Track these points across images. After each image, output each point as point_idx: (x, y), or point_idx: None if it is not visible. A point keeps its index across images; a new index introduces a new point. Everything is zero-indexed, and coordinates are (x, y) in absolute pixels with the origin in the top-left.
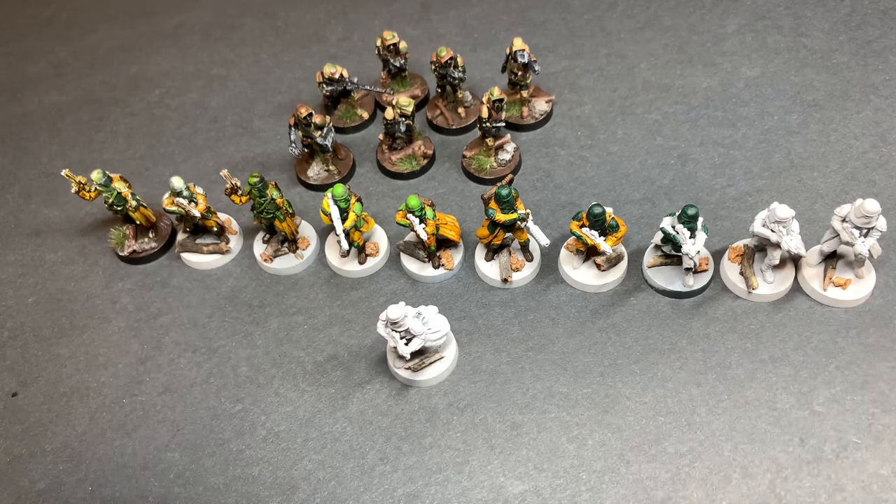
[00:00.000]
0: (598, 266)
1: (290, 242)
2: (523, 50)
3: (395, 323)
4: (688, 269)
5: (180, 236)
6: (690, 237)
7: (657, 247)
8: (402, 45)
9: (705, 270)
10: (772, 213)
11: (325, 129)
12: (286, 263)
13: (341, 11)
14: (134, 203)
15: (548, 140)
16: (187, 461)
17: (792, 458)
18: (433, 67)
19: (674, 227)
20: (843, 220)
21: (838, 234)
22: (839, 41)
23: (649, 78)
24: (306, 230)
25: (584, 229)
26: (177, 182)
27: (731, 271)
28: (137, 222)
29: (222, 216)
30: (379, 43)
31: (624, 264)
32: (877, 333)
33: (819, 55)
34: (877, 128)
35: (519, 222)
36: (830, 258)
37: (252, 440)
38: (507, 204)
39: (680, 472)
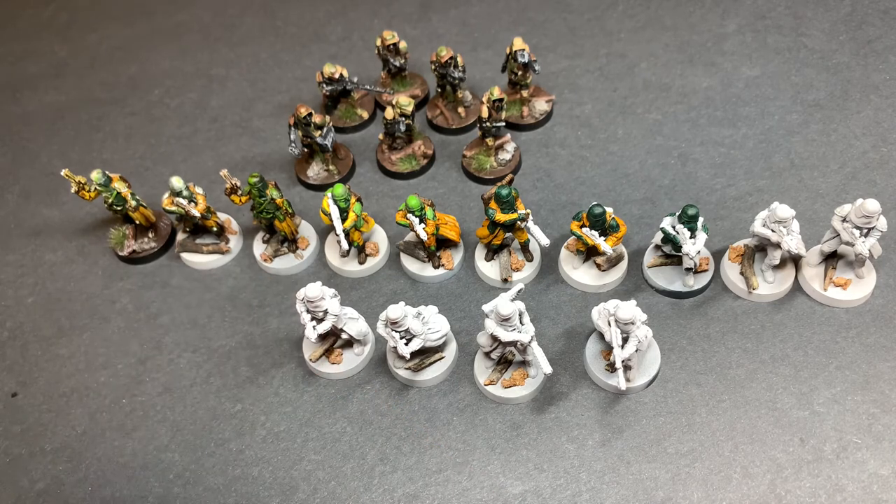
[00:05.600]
0: (599, 266)
1: (290, 242)
2: (523, 49)
3: (395, 323)
4: (688, 270)
5: (180, 236)
6: (691, 237)
7: (657, 247)
8: (402, 45)
9: (705, 270)
10: (772, 213)
11: (324, 129)
12: (286, 263)
13: (341, 11)
14: (133, 203)
15: (548, 140)
16: (187, 461)
17: (792, 458)
18: (433, 67)
19: (674, 227)
20: (844, 220)
21: (839, 234)
22: (839, 41)
23: (649, 78)
24: (306, 230)
25: (584, 229)
26: (176, 182)
27: (731, 271)
28: (137, 222)
29: (222, 216)
30: (379, 43)
31: (624, 264)
32: (877, 333)
33: (819, 55)
34: (877, 128)
35: (519, 222)
36: (831, 258)
37: (252, 440)
38: (507, 204)
39: (680, 472)
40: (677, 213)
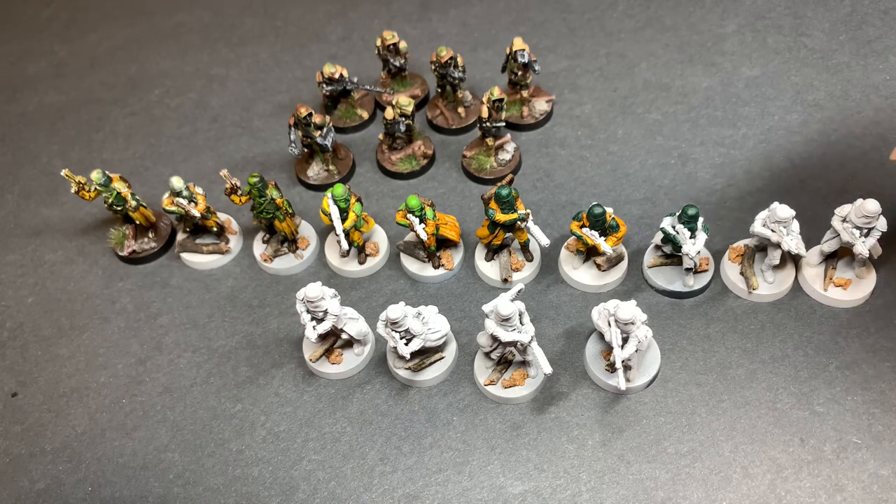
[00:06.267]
0: (599, 266)
1: (290, 242)
2: (523, 50)
3: (395, 323)
4: (688, 270)
5: (180, 236)
6: (690, 237)
7: (657, 247)
8: (402, 45)
9: (705, 271)
10: (772, 213)
11: (324, 129)
12: (286, 263)
13: (341, 11)
14: (133, 203)
15: (548, 140)
16: (187, 461)
17: (792, 458)
18: (433, 67)
19: (674, 228)
20: (844, 220)
21: (839, 234)
22: (839, 41)
23: (649, 78)
24: (306, 230)
25: (584, 230)
26: (176, 182)
27: (731, 271)
28: (137, 222)
29: (222, 216)
30: (379, 43)
31: (624, 264)
32: (877, 333)
33: (819, 55)
34: (877, 128)
35: (519, 222)
36: (831, 258)
37: (252, 440)
38: (507, 204)
39: (680, 472)
40: (677, 213)
